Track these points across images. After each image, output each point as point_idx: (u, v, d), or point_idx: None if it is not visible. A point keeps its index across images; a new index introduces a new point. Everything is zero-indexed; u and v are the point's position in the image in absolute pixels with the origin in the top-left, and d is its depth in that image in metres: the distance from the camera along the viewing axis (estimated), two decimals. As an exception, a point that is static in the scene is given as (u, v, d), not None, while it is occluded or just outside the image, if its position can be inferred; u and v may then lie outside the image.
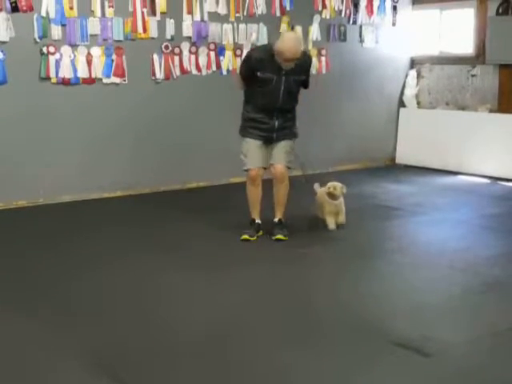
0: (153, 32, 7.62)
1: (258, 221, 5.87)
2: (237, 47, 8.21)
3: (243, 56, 8.09)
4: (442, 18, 9.58)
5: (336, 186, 6.04)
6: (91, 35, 7.25)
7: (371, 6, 9.26)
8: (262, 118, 5.68)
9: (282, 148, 5.79)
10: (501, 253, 5.43)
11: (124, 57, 7.46)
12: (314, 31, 8.80)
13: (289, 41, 5.49)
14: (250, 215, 5.88)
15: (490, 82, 8.96)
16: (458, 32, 9.49)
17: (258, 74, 5.56)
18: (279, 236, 5.74)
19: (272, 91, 5.60)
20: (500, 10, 8.62)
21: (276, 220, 5.87)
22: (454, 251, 5.47)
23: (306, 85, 5.85)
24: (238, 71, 5.96)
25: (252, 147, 5.74)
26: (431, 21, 9.70)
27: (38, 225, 6.43)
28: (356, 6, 9.12)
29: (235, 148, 7.86)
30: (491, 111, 8.87)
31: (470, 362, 3.52)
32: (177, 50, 7.80)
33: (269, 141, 5.75)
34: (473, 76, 9.17)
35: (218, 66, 8.13)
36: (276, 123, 5.71)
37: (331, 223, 6.06)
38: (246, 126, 5.77)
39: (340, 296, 4.52)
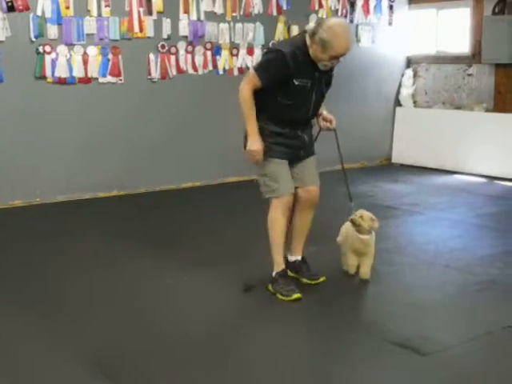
0: (149, 31, 7.61)
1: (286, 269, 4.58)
2: (233, 47, 8.20)
3: (239, 55, 8.22)
4: (439, 17, 9.59)
5: (364, 214, 4.63)
6: (87, 34, 7.24)
7: (367, 5, 9.27)
8: (289, 133, 4.42)
9: (312, 167, 4.63)
10: (497, 252, 5.43)
11: (120, 56, 7.44)
12: (311, 31, 8.80)
13: (343, 33, 4.16)
14: (275, 263, 4.50)
15: (486, 82, 8.97)
16: (454, 31, 9.50)
17: (295, 81, 4.24)
18: (323, 278, 4.66)
19: (304, 100, 4.37)
20: (496, 10, 8.63)
21: (300, 258, 4.73)
22: (451, 251, 5.48)
23: (330, 82, 4.57)
24: (252, 76, 4.32)
25: (281, 168, 4.43)
26: (427, 20, 9.71)
27: (34, 225, 6.41)
28: (352, 5, 9.13)
29: (231, 147, 7.84)
30: (487, 110, 8.88)
31: (467, 361, 3.52)
32: (173, 50, 7.80)
33: (294, 159, 4.53)
34: (469, 75, 9.18)
35: (215, 66, 8.12)
36: (305, 138, 4.54)
37: (351, 265, 4.75)
38: (268, 142, 4.38)
39: (335, 295, 4.52)
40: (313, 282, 4.63)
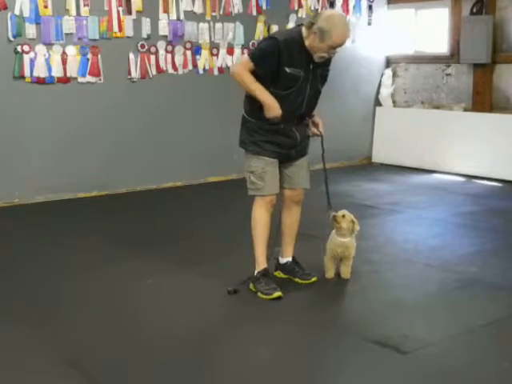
0: (129, 31, 7.58)
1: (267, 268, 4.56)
2: (213, 46, 8.19)
3: (219, 54, 8.20)
4: (417, 17, 9.65)
5: (346, 214, 4.66)
6: (66, 34, 7.19)
7: (347, 5, 9.30)
8: (281, 130, 4.37)
9: (304, 168, 4.62)
10: (476, 250, 5.48)
11: (100, 56, 7.40)
12: (291, 30, 8.82)
13: (342, 23, 4.17)
14: (257, 263, 4.52)
15: (464, 81, 9.04)
16: (432, 31, 9.57)
17: (286, 69, 4.21)
18: (315, 278, 4.68)
19: (297, 93, 4.32)
20: (474, 10, 8.70)
21: (291, 259, 4.74)
22: (430, 249, 5.52)
23: (326, 77, 4.56)
24: (246, 62, 4.32)
25: (269, 168, 4.42)
26: (406, 20, 9.76)
27: (13, 226, 6.36)
28: (332, 5, 9.14)
29: (211, 147, 7.85)
30: (466, 110, 8.95)
31: (447, 359, 3.54)
32: (153, 49, 7.77)
33: (285, 158, 4.51)
34: (448, 75, 9.25)
35: (195, 65, 8.11)
36: (298, 136, 4.45)
37: (329, 269, 4.75)
38: (259, 140, 4.38)
39: (316, 294, 4.54)
40: (305, 282, 4.64)
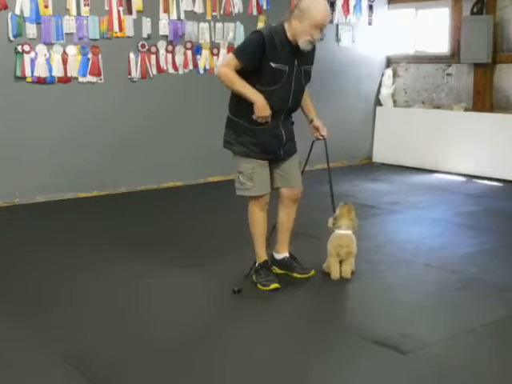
0: (129, 31, 7.58)
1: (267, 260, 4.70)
2: (213, 46, 8.20)
3: (220, 54, 8.21)
4: (417, 17, 9.65)
5: (351, 206, 4.79)
6: (67, 34, 7.19)
7: (347, 5, 9.30)
8: (268, 129, 4.36)
9: (296, 166, 4.67)
10: (476, 250, 5.48)
11: (100, 56, 7.41)
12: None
13: (323, 2, 4.25)
14: (257, 256, 4.65)
15: (464, 81, 9.04)
16: (433, 31, 9.57)
17: (272, 64, 4.21)
18: (313, 272, 4.74)
19: (282, 89, 4.31)
20: (474, 10, 8.70)
21: (288, 255, 4.80)
22: (431, 249, 5.51)
23: (310, 74, 4.53)
24: (231, 59, 4.31)
25: (258, 168, 4.46)
26: (406, 20, 9.76)
27: (13, 226, 6.36)
28: (332, 5, 9.13)
29: (212, 147, 7.83)
30: (466, 110, 8.95)
31: (447, 359, 3.54)
32: (153, 49, 7.77)
33: (274, 158, 4.53)
34: (448, 75, 9.25)
35: (195, 65, 8.11)
36: (284, 135, 4.47)
37: (334, 270, 4.71)
38: (247, 141, 4.41)
39: (316, 294, 4.54)
40: (304, 276, 4.69)
